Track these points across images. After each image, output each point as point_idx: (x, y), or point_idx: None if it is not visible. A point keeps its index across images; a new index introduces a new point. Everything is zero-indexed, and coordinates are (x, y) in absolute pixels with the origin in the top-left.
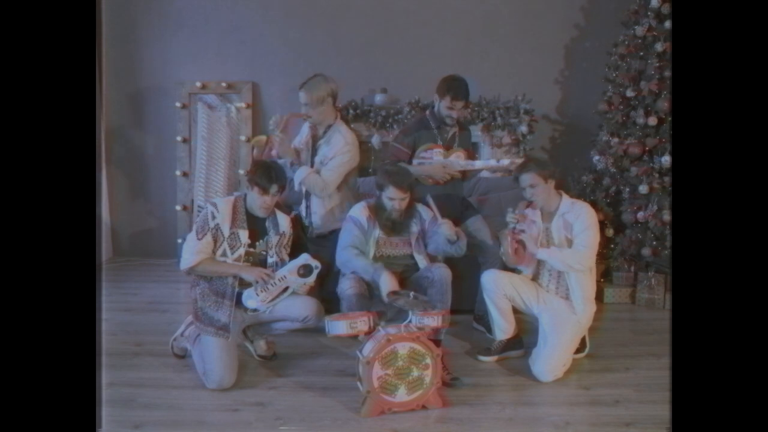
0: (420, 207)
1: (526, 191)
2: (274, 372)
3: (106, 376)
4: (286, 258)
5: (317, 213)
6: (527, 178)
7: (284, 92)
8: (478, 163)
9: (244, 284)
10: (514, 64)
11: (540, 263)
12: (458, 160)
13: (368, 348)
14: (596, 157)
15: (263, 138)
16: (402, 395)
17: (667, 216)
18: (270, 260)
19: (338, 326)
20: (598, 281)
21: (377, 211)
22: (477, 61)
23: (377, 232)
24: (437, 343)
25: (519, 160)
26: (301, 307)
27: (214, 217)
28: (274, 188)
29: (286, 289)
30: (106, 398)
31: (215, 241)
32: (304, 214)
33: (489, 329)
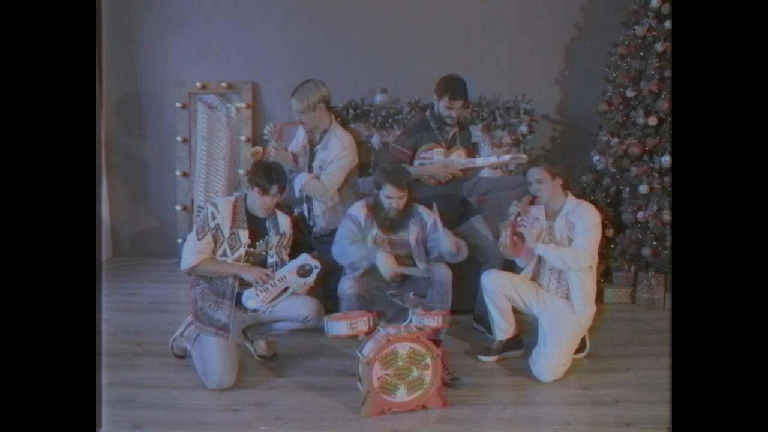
0: (420, 208)
1: (532, 186)
2: (274, 372)
3: (106, 376)
4: (286, 258)
5: (318, 213)
6: (535, 173)
7: (284, 92)
8: (479, 161)
9: (244, 284)
10: (514, 64)
11: (540, 263)
12: (459, 158)
13: (368, 348)
14: (596, 157)
15: (259, 149)
16: (402, 395)
17: (667, 216)
18: (270, 260)
19: (338, 326)
20: (598, 281)
21: (375, 209)
22: (477, 61)
23: (375, 231)
24: (437, 343)
25: (520, 155)
26: (301, 307)
27: (214, 218)
28: (274, 189)
29: (286, 289)
30: (106, 398)
31: (215, 241)
32: (306, 214)
33: (489, 329)
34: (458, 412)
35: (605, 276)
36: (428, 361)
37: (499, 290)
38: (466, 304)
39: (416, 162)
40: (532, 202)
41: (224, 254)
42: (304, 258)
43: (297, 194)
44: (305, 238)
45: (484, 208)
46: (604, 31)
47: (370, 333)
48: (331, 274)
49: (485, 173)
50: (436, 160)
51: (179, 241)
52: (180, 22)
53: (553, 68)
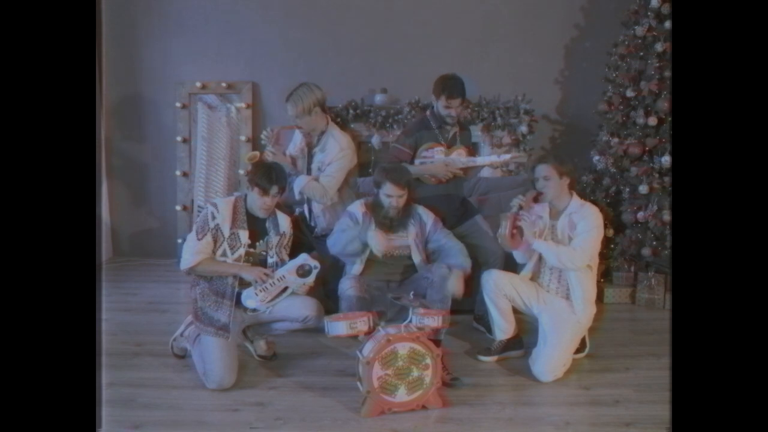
0: (419, 208)
1: (539, 182)
2: (274, 372)
3: (106, 376)
4: (286, 258)
5: (318, 213)
6: (543, 169)
7: (284, 92)
8: (479, 160)
9: (244, 284)
10: (514, 64)
11: (540, 262)
12: (460, 157)
13: (368, 348)
14: (596, 157)
15: (256, 154)
16: (402, 395)
17: (667, 216)
18: (270, 260)
19: (338, 326)
20: (598, 281)
21: (374, 208)
22: (477, 61)
23: (372, 228)
24: (437, 343)
25: (520, 155)
26: (301, 307)
27: (214, 218)
28: (274, 189)
29: (285, 289)
30: (106, 398)
31: (215, 241)
32: (307, 215)
33: (489, 329)
34: (458, 412)
35: (605, 276)
36: (428, 361)
37: (499, 290)
38: (466, 304)
39: (417, 161)
40: (536, 198)
41: (224, 254)
42: (303, 258)
43: (297, 196)
44: (306, 238)
45: (484, 207)
46: (604, 31)
47: (370, 333)
48: (331, 274)
49: (485, 173)
50: (437, 159)
51: (179, 241)
52: (180, 22)
53: (553, 68)
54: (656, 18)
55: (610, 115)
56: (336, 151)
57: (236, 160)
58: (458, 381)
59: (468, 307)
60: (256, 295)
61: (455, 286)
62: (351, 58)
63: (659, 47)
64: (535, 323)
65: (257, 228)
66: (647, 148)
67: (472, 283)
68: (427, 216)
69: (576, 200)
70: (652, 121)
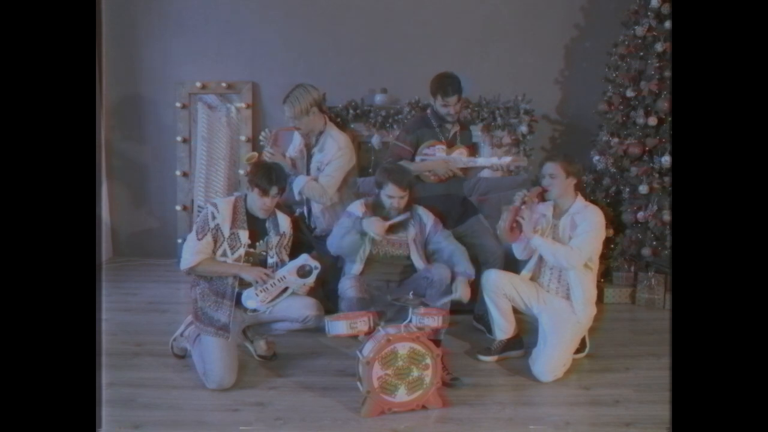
0: (419, 209)
1: (545, 179)
2: (274, 372)
3: (106, 376)
4: (286, 258)
5: (318, 214)
6: (550, 167)
7: (284, 92)
8: (480, 160)
9: (244, 284)
10: (514, 64)
11: (541, 262)
12: (461, 156)
13: (368, 348)
14: (596, 157)
15: (255, 155)
16: (402, 395)
17: (667, 216)
18: (270, 261)
19: (338, 326)
20: (598, 281)
21: (375, 208)
22: (477, 61)
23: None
24: (437, 343)
25: (520, 158)
26: (300, 308)
27: (214, 218)
28: (274, 190)
29: (285, 289)
30: (106, 398)
31: (215, 241)
32: (306, 215)
33: (489, 329)
34: (458, 412)
35: (605, 276)
36: (428, 361)
37: (499, 290)
38: (466, 304)
39: (418, 158)
40: (541, 195)
41: (224, 254)
42: (304, 258)
43: (297, 197)
44: (306, 238)
45: (484, 207)
46: (604, 31)
47: (370, 333)
48: (330, 274)
49: (485, 173)
50: (438, 157)
51: (179, 241)
52: (180, 22)
53: (553, 68)
54: (656, 18)
55: (610, 115)
56: (334, 151)
57: (236, 160)
58: (458, 381)
59: (468, 307)
60: (257, 295)
61: (462, 292)
62: (351, 58)
63: (659, 47)
64: (535, 323)
65: (257, 228)
66: (647, 148)
67: (473, 283)
68: (427, 217)
69: (580, 201)
70: (652, 121)
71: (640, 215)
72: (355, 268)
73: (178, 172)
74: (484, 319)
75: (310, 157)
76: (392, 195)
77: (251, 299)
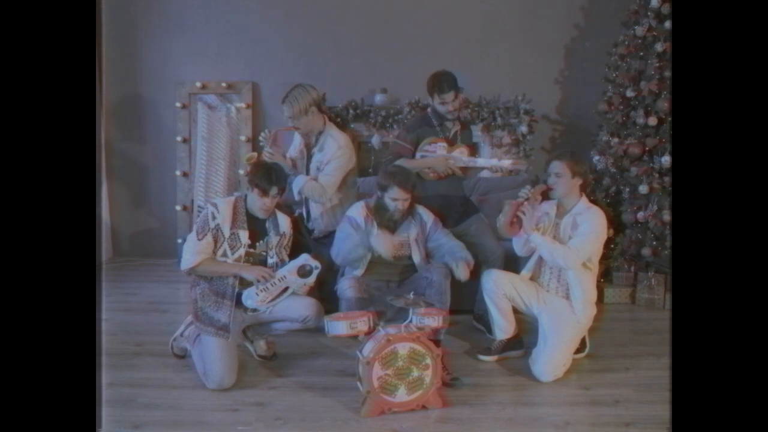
0: (420, 209)
1: (550, 177)
2: (274, 372)
3: (106, 376)
4: (286, 258)
5: (316, 216)
6: (557, 165)
7: (284, 92)
8: (480, 161)
9: (244, 284)
10: (514, 64)
11: (541, 262)
12: (462, 156)
13: (368, 348)
14: (596, 157)
15: (255, 155)
16: (402, 395)
17: (667, 216)
18: (270, 261)
19: (338, 326)
20: (598, 281)
21: (378, 211)
22: (477, 61)
23: (376, 232)
24: (437, 343)
25: (520, 162)
26: (300, 308)
27: (214, 218)
28: (274, 190)
29: (285, 289)
30: (106, 398)
31: (215, 241)
32: (305, 216)
33: (489, 329)
34: (458, 412)
35: (605, 276)
36: (428, 361)
37: (499, 290)
38: (466, 304)
39: (418, 155)
40: (545, 193)
41: (224, 254)
42: (304, 258)
43: (296, 197)
44: (305, 239)
45: (484, 207)
46: (604, 31)
47: (370, 333)
48: (328, 275)
49: (485, 173)
50: (439, 155)
51: (179, 241)
52: (180, 22)
53: (553, 68)
54: (656, 18)
55: (610, 115)
56: (334, 150)
57: (236, 160)
58: (458, 381)
59: (468, 307)
60: (257, 295)
61: (461, 271)
62: (351, 58)
63: (659, 47)
64: (535, 323)
65: (257, 228)
66: (647, 148)
67: (473, 282)
68: (427, 216)
69: (584, 202)
70: (652, 121)
71: (640, 215)
72: (357, 270)
73: (178, 172)
74: (484, 319)
75: (310, 157)
76: (397, 198)
77: (251, 299)
